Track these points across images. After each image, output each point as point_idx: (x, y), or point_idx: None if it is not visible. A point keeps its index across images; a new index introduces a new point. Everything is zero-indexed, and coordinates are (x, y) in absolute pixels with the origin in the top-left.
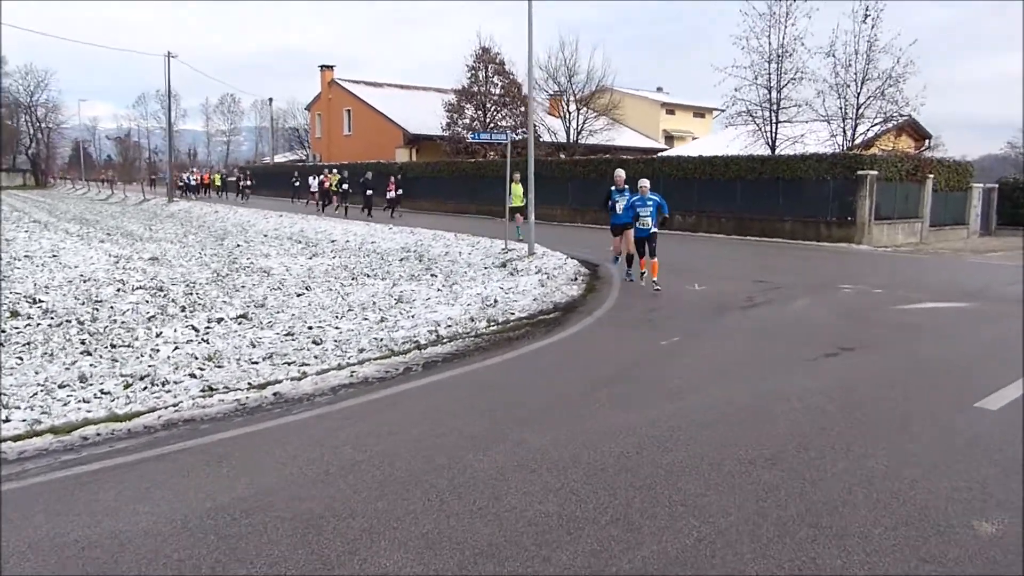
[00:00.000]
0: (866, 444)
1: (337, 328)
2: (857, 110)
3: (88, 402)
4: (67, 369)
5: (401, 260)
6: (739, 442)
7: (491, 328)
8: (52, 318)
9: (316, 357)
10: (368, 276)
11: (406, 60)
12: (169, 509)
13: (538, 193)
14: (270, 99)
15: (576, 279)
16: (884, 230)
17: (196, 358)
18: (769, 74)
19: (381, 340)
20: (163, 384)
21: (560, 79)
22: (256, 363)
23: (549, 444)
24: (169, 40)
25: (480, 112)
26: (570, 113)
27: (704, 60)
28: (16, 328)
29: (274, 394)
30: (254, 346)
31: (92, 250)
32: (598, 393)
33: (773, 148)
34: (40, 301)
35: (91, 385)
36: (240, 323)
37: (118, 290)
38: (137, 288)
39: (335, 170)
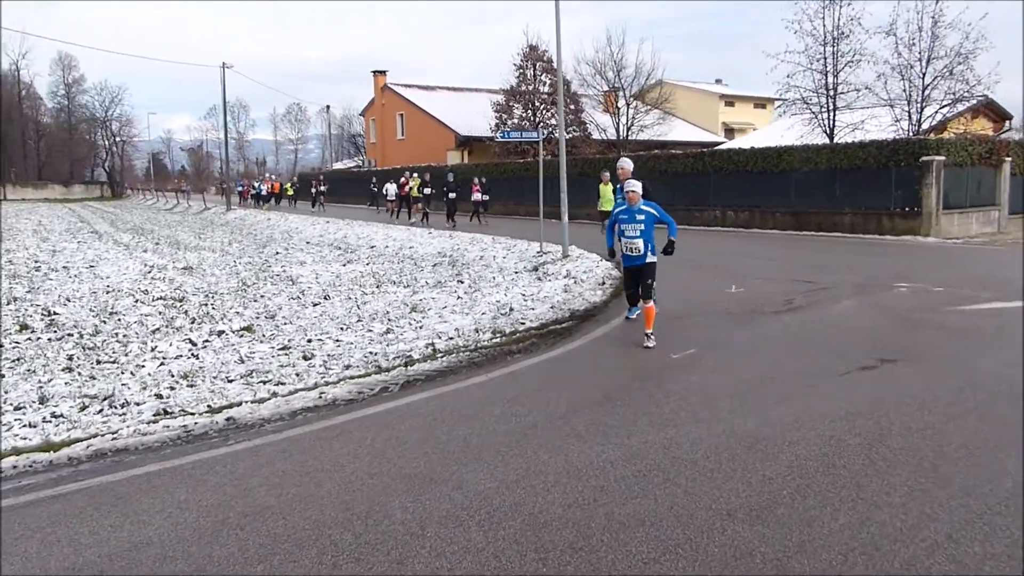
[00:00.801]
0: (882, 489)
1: (337, 341)
2: (923, 92)
3: (34, 427)
4: (40, 387)
5: (434, 266)
6: (724, 485)
7: (494, 340)
8: (55, 332)
9: (297, 375)
10: (393, 283)
11: (468, 62)
12: (18, 572)
13: (584, 192)
14: (327, 106)
15: (603, 283)
16: (955, 220)
17: (172, 375)
18: (824, 58)
19: (375, 355)
20: (122, 406)
21: (608, 74)
22: (231, 381)
23: (493, 487)
24: (239, 53)
25: (529, 111)
26: (619, 109)
27: (766, 49)
28: (16, 343)
29: (227, 419)
30: (242, 362)
31: (131, 260)
32: (576, 420)
33: (831, 136)
34: (55, 313)
35: (48, 407)
36: (241, 336)
37: (137, 301)
38: (158, 299)
39: (415, 173)
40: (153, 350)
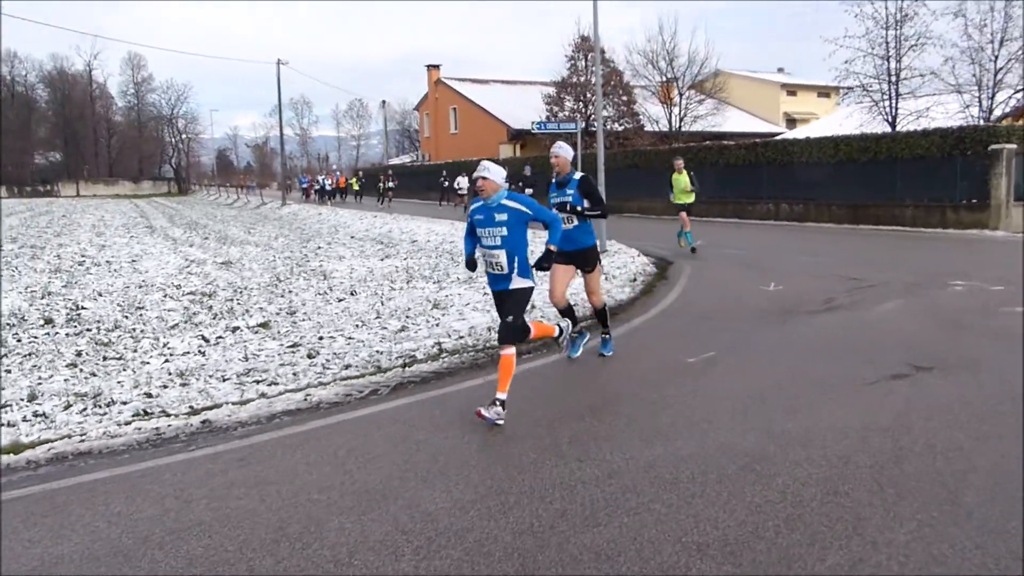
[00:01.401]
0: (886, 524)
1: (349, 339)
2: (995, 76)
3: (13, 426)
4: (40, 383)
5: None
6: (703, 513)
7: None
8: (75, 326)
9: (294, 374)
10: (424, 279)
11: (527, 56)
12: None
13: (635, 185)
14: (383, 101)
15: (635, 280)
16: None
17: (169, 374)
18: (886, 42)
19: (380, 354)
20: (106, 405)
21: (660, 63)
22: (226, 380)
23: (445, 508)
24: (306, 50)
25: (580, 103)
26: (671, 99)
27: (825, 35)
28: (34, 337)
29: (202, 422)
30: (246, 360)
31: (175, 255)
32: (561, 431)
33: (893, 125)
34: (83, 308)
35: (34, 404)
36: (256, 332)
37: (165, 296)
38: (187, 294)
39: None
40: (164, 346)
